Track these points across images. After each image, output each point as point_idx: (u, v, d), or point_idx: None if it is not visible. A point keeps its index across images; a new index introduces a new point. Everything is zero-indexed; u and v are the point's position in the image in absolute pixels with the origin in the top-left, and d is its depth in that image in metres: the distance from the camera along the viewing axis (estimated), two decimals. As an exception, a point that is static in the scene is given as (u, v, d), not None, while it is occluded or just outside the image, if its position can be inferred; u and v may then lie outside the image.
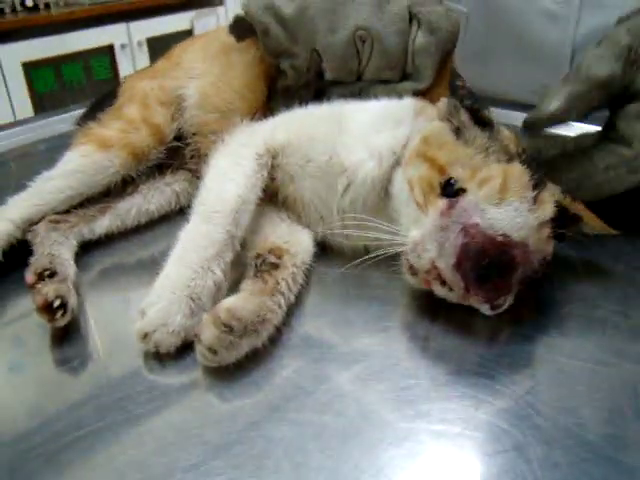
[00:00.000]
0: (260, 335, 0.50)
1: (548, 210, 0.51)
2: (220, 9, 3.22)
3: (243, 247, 0.59)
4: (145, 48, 2.96)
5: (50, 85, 2.74)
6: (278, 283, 0.54)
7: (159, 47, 2.92)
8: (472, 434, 0.43)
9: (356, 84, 0.68)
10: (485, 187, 0.50)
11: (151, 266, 0.66)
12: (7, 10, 2.65)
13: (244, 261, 0.58)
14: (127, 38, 2.91)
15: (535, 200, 0.51)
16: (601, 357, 0.50)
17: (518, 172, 0.51)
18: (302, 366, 0.50)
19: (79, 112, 0.88)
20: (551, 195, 0.52)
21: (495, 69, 1.02)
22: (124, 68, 2.92)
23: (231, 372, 0.49)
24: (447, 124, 0.55)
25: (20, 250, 0.65)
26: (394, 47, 0.66)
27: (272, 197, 0.64)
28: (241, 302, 0.50)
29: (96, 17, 2.83)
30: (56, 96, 2.75)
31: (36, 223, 0.66)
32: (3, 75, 2.57)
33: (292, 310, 0.56)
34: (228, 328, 0.48)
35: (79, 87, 2.84)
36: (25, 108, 2.64)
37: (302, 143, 0.62)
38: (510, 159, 0.52)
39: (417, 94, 0.66)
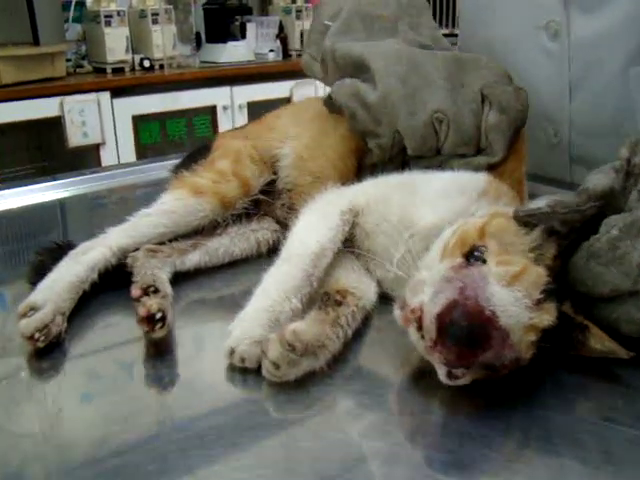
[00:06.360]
0: (318, 358, 0.56)
1: (545, 320, 0.52)
2: (317, 81, 3.39)
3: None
4: (245, 111, 3.14)
5: (155, 138, 2.95)
6: (339, 317, 0.60)
7: (258, 111, 3.09)
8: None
9: (435, 158, 0.74)
10: (502, 267, 0.52)
11: (230, 303, 0.73)
12: (127, 69, 2.90)
13: (314, 297, 0.64)
14: (229, 100, 3.10)
15: (537, 304, 0.51)
16: None
17: (537, 273, 0.53)
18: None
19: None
20: (555, 310, 0.53)
21: None
22: (224, 127, 3.09)
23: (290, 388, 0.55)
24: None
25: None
26: (468, 126, 0.72)
27: (351, 248, 0.70)
28: (305, 327, 0.56)
29: (203, 80, 3.04)
30: (159, 148, 2.94)
31: (131, 251, 0.73)
32: (115, 126, 2.79)
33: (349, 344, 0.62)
34: (291, 347, 0.54)
35: (180, 141, 3.03)
36: (130, 157, 2.84)
37: (379, 206, 0.68)
38: (538, 263, 0.54)
39: (491, 167, 0.71)
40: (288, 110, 0.91)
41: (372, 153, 0.75)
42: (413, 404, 0.55)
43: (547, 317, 0.51)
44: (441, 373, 0.52)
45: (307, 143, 0.82)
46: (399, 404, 0.56)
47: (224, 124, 3.09)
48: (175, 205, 0.77)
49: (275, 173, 0.84)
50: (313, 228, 0.67)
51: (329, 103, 0.79)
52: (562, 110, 0.94)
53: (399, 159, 0.74)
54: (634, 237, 0.52)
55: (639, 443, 0.49)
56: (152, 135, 2.94)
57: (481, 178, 0.68)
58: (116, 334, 0.68)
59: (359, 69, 0.76)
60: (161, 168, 1.17)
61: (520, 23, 0.97)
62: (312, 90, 3.29)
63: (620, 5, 0.86)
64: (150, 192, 1.08)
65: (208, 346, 0.68)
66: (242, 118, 3.11)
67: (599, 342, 0.54)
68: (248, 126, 0.93)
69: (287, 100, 3.20)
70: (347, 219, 0.68)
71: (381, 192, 0.70)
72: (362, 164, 0.78)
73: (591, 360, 0.56)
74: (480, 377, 0.52)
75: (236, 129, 0.97)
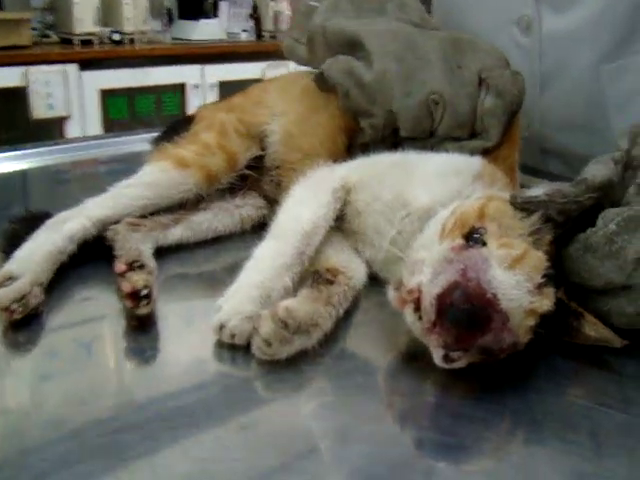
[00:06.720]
0: (311, 337, 0.55)
1: (545, 305, 0.51)
2: (290, 62, 3.34)
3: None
4: (216, 90, 3.09)
5: (122, 114, 2.88)
6: (331, 296, 0.59)
7: (229, 91, 3.04)
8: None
9: (429, 140, 0.73)
10: (503, 250, 0.51)
11: (212, 279, 0.72)
12: (96, 42, 2.81)
13: (304, 275, 0.63)
14: (200, 79, 3.05)
15: (538, 288, 0.51)
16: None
17: (537, 258, 0.52)
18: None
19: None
20: (554, 295, 0.52)
21: None
22: (193, 106, 3.04)
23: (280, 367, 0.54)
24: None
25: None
26: (464, 109, 0.71)
27: (340, 227, 0.69)
28: (298, 304, 0.55)
29: (175, 56, 2.98)
30: (126, 124, 2.87)
31: (111, 224, 0.71)
32: (82, 99, 2.71)
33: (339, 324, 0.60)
34: (284, 324, 0.52)
35: (148, 119, 2.96)
36: (96, 132, 2.77)
37: (372, 184, 0.67)
38: (538, 248, 0.54)
39: (484, 152, 0.71)
40: (275, 84, 0.89)
41: (364, 133, 0.73)
42: (404, 386, 0.54)
43: (547, 302, 0.51)
44: (437, 356, 0.50)
45: (296, 120, 0.80)
46: (390, 386, 0.55)
47: (194, 103, 3.04)
48: (158, 177, 0.75)
49: (263, 149, 0.81)
50: (305, 205, 0.66)
51: (320, 80, 0.77)
52: (533, 104, 0.94)
53: (391, 140, 0.73)
54: (631, 232, 0.52)
55: (627, 426, 0.50)
56: (120, 110, 2.87)
57: (476, 161, 0.67)
58: (95, 308, 0.65)
59: (352, 47, 0.75)
60: (128, 143, 1.14)
61: (493, 16, 0.97)
62: (284, 71, 3.26)
63: (590, 4, 0.86)
64: (116, 167, 1.06)
65: (191, 322, 0.66)
66: (213, 97, 3.06)
67: (593, 329, 0.54)
68: (232, 99, 0.90)
69: (259, 81, 3.16)
70: (339, 196, 0.67)
71: (374, 170, 0.68)
72: (353, 143, 0.77)
73: (584, 347, 0.56)
74: (476, 361, 0.51)
75: (219, 102, 0.94)
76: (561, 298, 0.54)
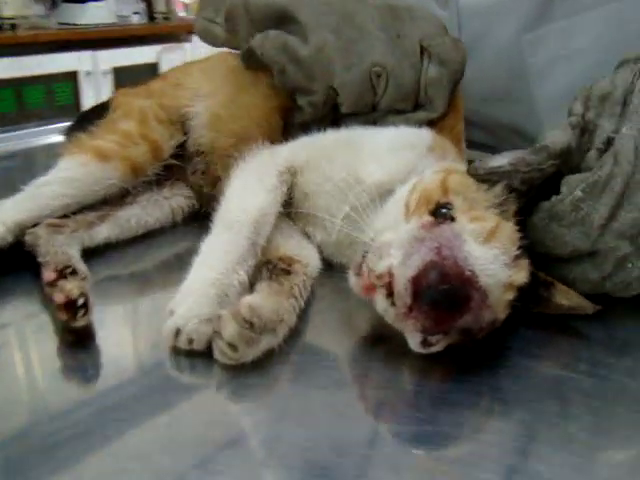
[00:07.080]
0: (277, 335, 0.51)
1: (521, 277, 0.50)
2: (187, 45, 3.23)
3: None
4: (110, 77, 2.93)
5: (9, 107, 2.67)
6: (292, 288, 0.55)
7: (125, 77, 2.90)
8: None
9: (371, 114, 0.70)
10: (475, 224, 0.49)
11: (145, 279, 0.67)
12: (-29, 28, 2.59)
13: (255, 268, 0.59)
14: (92, 66, 2.88)
15: (514, 260, 0.50)
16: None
17: (510, 229, 0.51)
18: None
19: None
20: (528, 266, 0.51)
21: None
22: (87, 95, 2.88)
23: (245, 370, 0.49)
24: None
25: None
26: (408, 80, 0.68)
27: (287, 212, 0.65)
28: (261, 300, 0.50)
29: (62, 43, 2.80)
30: (15, 118, 2.68)
31: (29, 227, 0.64)
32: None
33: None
34: (249, 324, 0.48)
35: (39, 111, 2.77)
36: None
37: (322, 163, 0.63)
38: (505, 220, 0.52)
39: (430, 123, 0.68)
40: (198, 66, 0.83)
41: (302, 111, 0.69)
42: (376, 376, 0.51)
43: (523, 274, 0.49)
44: (414, 341, 0.47)
45: (223, 101, 0.75)
46: (361, 377, 0.52)
47: (87, 91, 2.88)
48: (77, 172, 0.68)
49: (185, 134, 0.76)
50: (250, 192, 0.61)
51: (248, 58, 0.72)
52: None
53: (330, 117, 0.69)
54: (596, 198, 0.51)
55: (594, 389, 0.49)
56: (6, 104, 2.66)
57: (427, 133, 0.65)
58: (20, 322, 0.58)
59: (282, 21, 0.70)
60: (19, 138, 1.06)
61: None
62: (181, 55, 3.14)
63: None
64: (7, 165, 0.98)
65: (134, 329, 0.60)
66: (107, 85, 2.91)
67: (565, 298, 0.53)
68: (151, 83, 0.84)
69: (154, 65, 3.03)
70: (285, 179, 0.63)
71: (322, 149, 0.64)
72: (289, 122, 0.72)
73: (552, 316, 0.55)
74: (454, 342, 0.49)
75: (138, 87, 0.86)
76: (531, 269, 0.52)
